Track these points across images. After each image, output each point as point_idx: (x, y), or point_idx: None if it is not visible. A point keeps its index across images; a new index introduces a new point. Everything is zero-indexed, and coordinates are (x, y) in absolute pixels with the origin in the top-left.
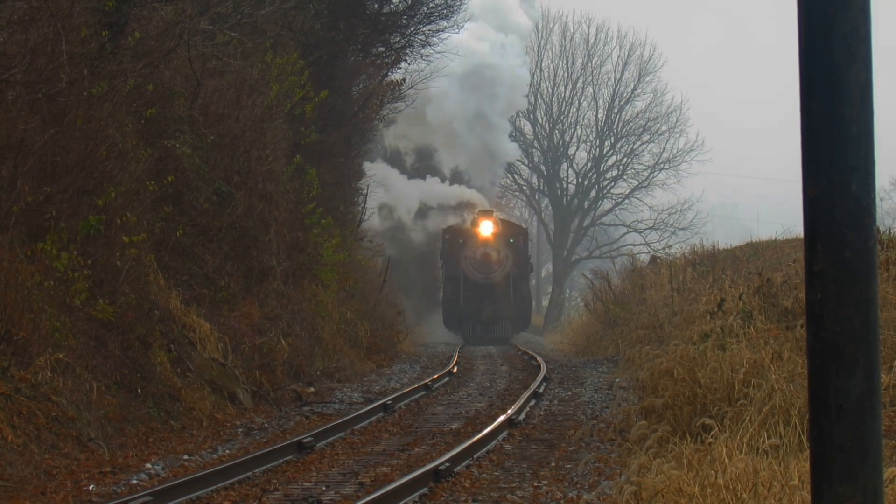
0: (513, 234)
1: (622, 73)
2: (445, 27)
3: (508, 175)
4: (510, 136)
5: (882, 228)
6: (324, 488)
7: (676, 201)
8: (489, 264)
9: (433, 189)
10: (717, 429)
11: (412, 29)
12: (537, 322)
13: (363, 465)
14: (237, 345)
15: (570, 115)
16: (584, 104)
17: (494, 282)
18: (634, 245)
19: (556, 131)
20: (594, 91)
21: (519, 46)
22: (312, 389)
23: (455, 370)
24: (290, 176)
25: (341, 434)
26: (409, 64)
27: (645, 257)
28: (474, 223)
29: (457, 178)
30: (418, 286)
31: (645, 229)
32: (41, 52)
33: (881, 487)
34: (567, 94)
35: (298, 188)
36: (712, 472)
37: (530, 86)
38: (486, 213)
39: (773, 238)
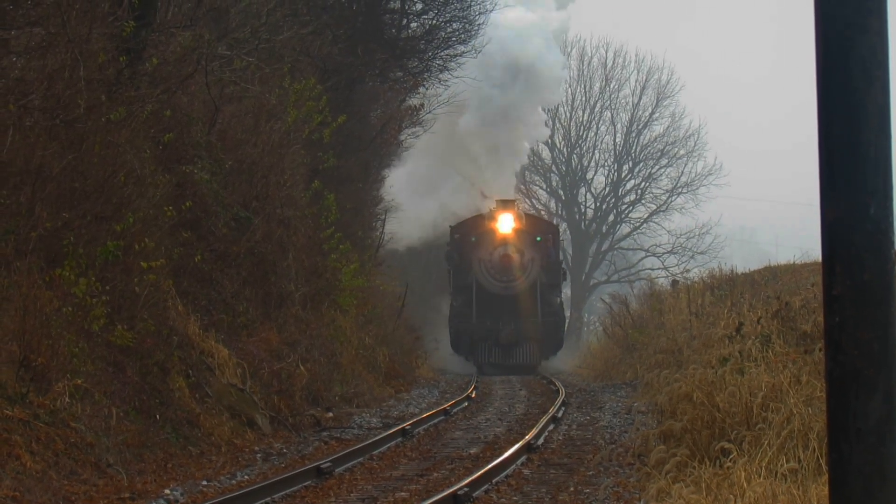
0: (540, 231)
1: (640, 98)
2: (463, 52)
3: (527, 199)
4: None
5: None
6: None
7: (695, 225)
8: (510, 269)
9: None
10: (735, 453)
11: (430, 54)
12: None
13: (382, 490)
14: (256, 370)
15: (589, 139)
16: (602, 128)
17: (516, 292)
18: (653, 269)
19: (575, 156)
20: (612, 115)
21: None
22: (331, 415)
23: (473, 395)
24: (309, 201)
25: (360, 459)
26: (427, 89)
27: (663, 281)
28: (491, 217)
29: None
30: (434, 305)
31: (663, 253)
32: (59, 77)
33: None
34: (585, 118)
35: (317, 213)
36: (731, 496)
37: (547, 110)
38: (507, 204)
39: (792, 262)
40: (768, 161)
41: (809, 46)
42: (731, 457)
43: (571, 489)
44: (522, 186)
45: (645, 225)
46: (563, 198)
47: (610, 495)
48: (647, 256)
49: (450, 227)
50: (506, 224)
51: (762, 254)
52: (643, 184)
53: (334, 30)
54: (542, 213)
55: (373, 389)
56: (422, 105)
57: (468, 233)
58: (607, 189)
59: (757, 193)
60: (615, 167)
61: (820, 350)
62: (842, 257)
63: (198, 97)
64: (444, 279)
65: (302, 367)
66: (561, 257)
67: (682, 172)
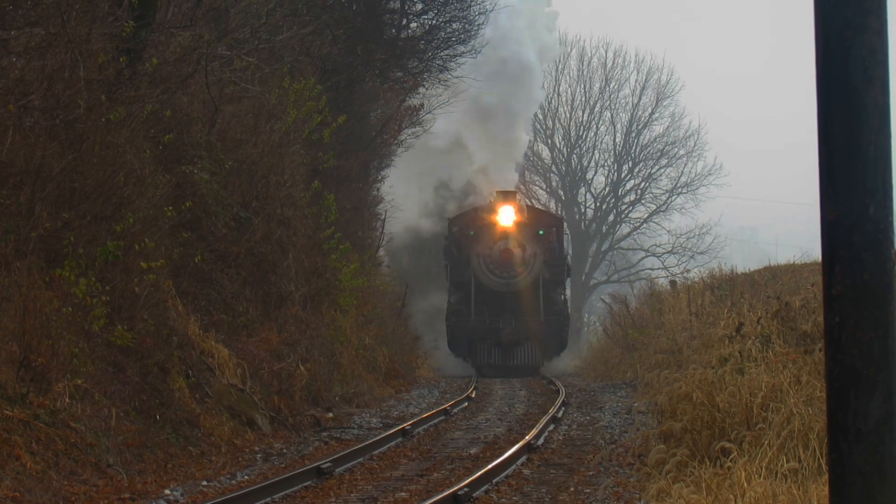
0: (543, 224)
1: (640, 98)
2: (463, 52)
3: (527, 199)
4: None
5: None
6: None
7: (695, 225)
8: (510, 265)
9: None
10: (735, 453)
11: (430, 54)
12: None
13: (382, 490)
14: (256, 370)
15: (588, 139)
16: (602, 129)
17: (518, 288)
18: (653, 269)
19: (574, 156)
20: (612, 115)
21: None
22: (331, 415)
23: (473, 395)
24: (309, 201)
25: (360, 459)
26: (426, 89)
27: (663, 281)
28: (491, 209)
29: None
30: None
31: (663, 253)
32: (59, 78)
33: None
34: (585, 118)
35: (316, 213)
36: (731, 496)
37: (547, 110)
38: (508, 196)
39: (792, 262)
40: (768, 161)
41: (809, 46)
42: (731, 457)
43: (571, 489)
44: (522, 186)
45: (645, 225)
46: (563, 198)
47: (610, 495)
48: (647, 256)
49: (447, 219)
50: (506, 217)
51: (762, 254)
52: (643, 184)
53: (334, 30)
54: None
55: (373, 389)
56: (422, 105)
57: (467, 226)
58: (607, 189)
59: (757, 193)
60: (615, 167)
61: (820, 350)
62: (842, 257)
63: (198, 97)
64: (443, 275)
65: (302, 368)
66: (566, 252)
67: (682, 172)
